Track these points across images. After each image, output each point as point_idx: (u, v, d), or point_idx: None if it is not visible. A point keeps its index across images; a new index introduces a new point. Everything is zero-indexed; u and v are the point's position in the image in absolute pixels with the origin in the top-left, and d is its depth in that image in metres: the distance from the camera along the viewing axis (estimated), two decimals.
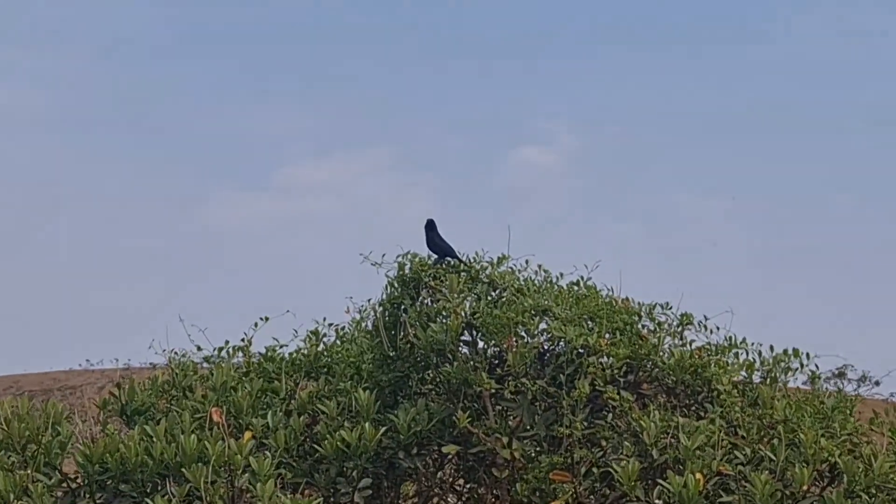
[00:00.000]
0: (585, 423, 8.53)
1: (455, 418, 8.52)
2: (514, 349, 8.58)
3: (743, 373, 8.92)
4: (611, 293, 9.24)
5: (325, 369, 9.58)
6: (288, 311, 9.67)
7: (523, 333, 8.83)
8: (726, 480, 8.10)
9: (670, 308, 9.17)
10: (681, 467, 8.01)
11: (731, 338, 9.01)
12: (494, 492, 8.87)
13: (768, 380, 8.92)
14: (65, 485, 8.12)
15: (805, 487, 7.97)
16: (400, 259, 9.20)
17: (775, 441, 8.27)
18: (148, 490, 7.84)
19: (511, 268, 9.23)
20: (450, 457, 8.97)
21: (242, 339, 9.85)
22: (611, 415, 8.58)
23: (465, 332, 8.85)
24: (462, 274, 9.07)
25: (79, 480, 8.09)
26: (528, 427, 8.69)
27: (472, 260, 9.27)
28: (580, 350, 8.66)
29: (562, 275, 9.29)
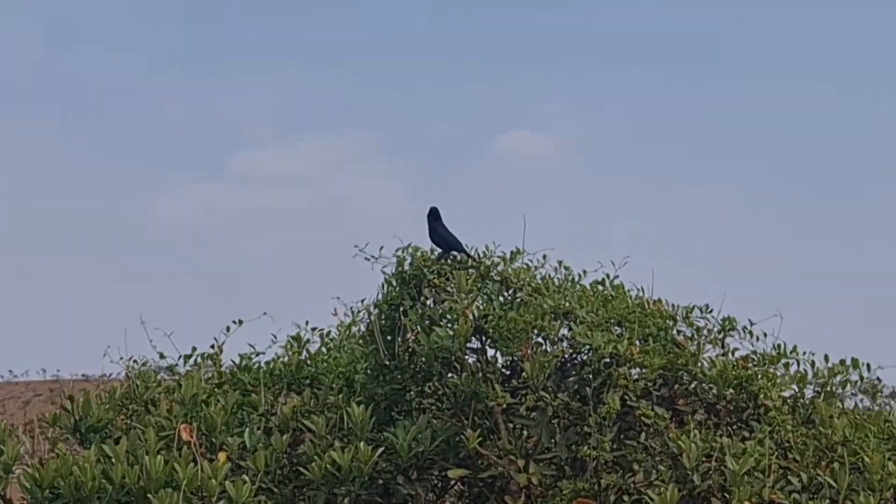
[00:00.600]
0: (614, 444, 7.38)
1: (463, 437, 7.35)
2: (532, 358, 7.40)
3: (793, 386, 7.75)
4: (640, 294, 8.07)
5: (310, 380, 8.48)
6: (265, 313, 8.53)
7: (541, 340, 7.70)
8: None
9: (710, 311, 8.02)
10: (727, 495, 7.08)
11: (779, 346, 7.86)
12: None
13: (823, 394, 7.75)
14: None
15: None
16: (399, 253, 8.01)
17: (835, 465, 7.21)
18: None
19: (526, 264, 8.06)
20: (455, 482, 7.95)
21: (212, 346, 8.71)
22: (643, 434, 7.43)
23: (473, 337, 7.68)
24: (470, 271, 7.88)
25: None
26: (548, 448, 7.58)
27: (481, 255, 8.08)
28: (608, 359, 7.50)
29: (584, 272, 8.12)
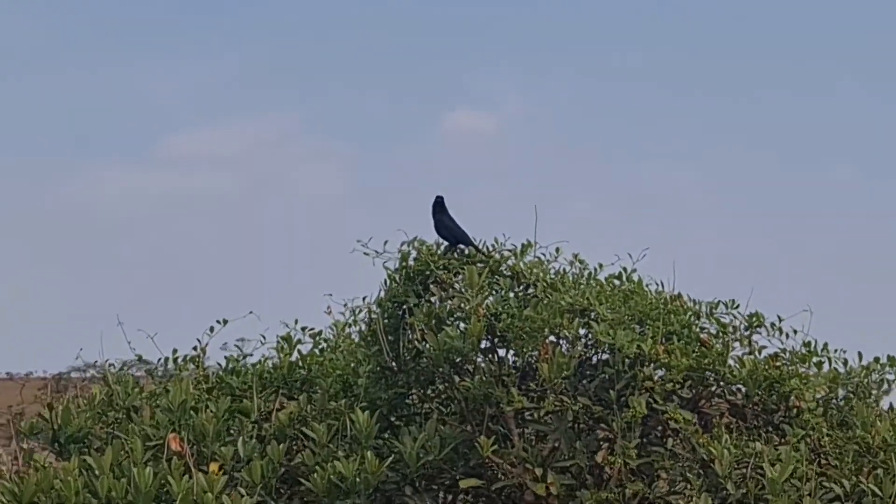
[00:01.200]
0: (639, 450, 6.87)
1: (477, 444, 6.81)
2: (550, 359, 6.86)
3: (825, 386, 7.28)
4: (660, 288, 7.55)
5: (302, 384, 7.84)
6: (251, 312, 7.97)
7: (554, 338, 7.16)
8: None
9: (737, 307, 7.51)
10: None
11: (809, 343, 7.37)
12: None
13: (857, 395, 7.27)
14: None
15: None
16: (404, 247, 7.44)
17: (879, 472, 6.68)
18: None
19: (538, 257, 7.52)
20: (465, 492, 7.39)
21: (195, 348, 8.12)
22: (671, 440, 6.91)
23: (485, 337, 7.14)
24: (479, 265, 7.32)
25: None
26: (567, 455, 7.02)
27: (490, 248, 7.53)
28: (631, 359, 6.98)
29: (601, 266, 7.59)
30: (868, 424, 7.07)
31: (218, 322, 8.06)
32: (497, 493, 7.24)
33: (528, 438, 7.30)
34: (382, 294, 7.53)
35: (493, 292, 7.33)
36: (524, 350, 7.10)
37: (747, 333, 7.55)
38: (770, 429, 7.27)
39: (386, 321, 7.40)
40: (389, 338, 7.38)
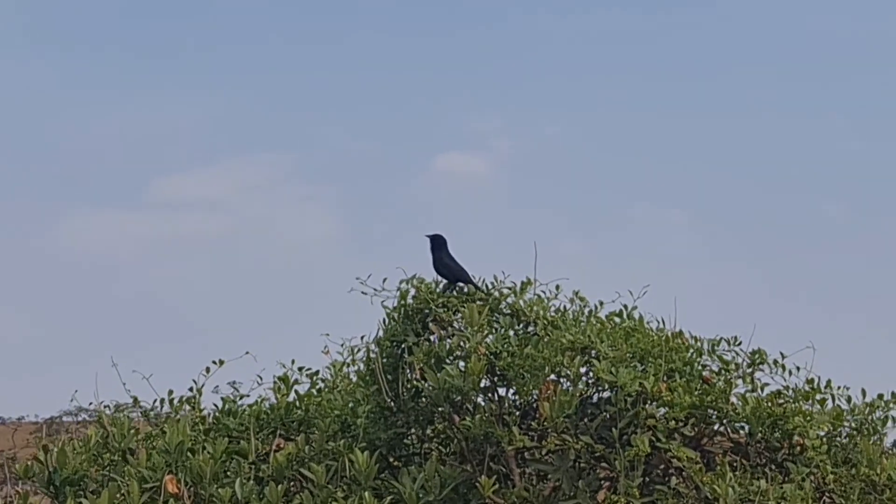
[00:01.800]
0: (643, 489, 6.77)
1: (477, 484, 6.72)
2: (551, 397, 6.78)
3: (829, 424, 7.19)
4: (661, 325, 7.48)
5: (300, 424, 7.73)
6: (247, 352, 7.87)
7: (555, 377, 7.08)
8: None
9: (739, 344, 7.43)
10: None
11: (812, 380, 7.29)
12: None
13: (861, 432, 7.19)
14: None
15: None
16: (403, 285, 7.37)
17: None
18: None
19: (539, 295, 7.44)
20: None
21: (191, 389, 8.02)
22: (674, 479, 6.82)
23: (485, 376, 7.05)
24: (479, 303, 7.25)
25: None
26: (569, 494, 6.93)
27: (490, 286, 7.46)
28: (633, 397, 6.89)
29: (601, 304, 7.52)
30: (873, 462, 6.96)
31: (214, 363, 7.99)
32: None
33: (530, 478, 7.18)
34: (381, 333, 7.44)
35: (493, 330, 7.25)
36: (525, 389, 7.01)
37: (750, 371, 7.46)
38: (774, 467, 7.13)
39: (385, 360, 7.31)
40: (388, 377, 7.29)
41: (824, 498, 6.98)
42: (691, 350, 7.40)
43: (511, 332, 7.25)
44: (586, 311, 7.51)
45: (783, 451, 7.15)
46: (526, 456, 7.24)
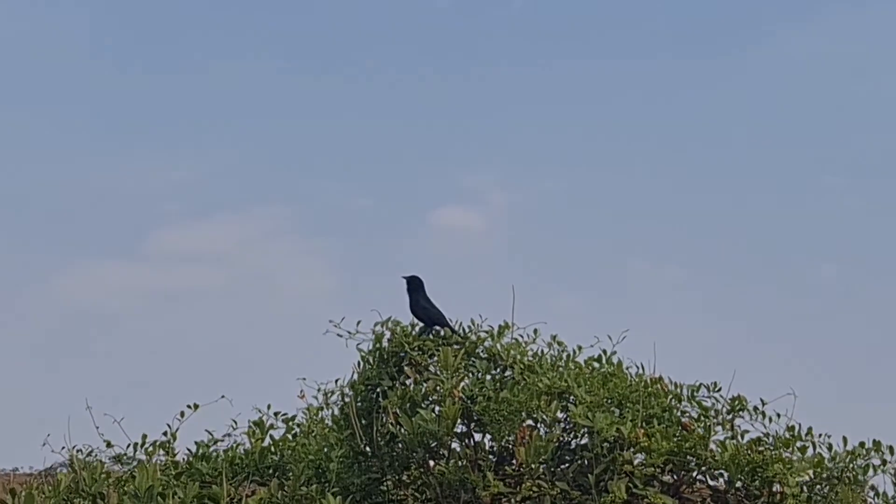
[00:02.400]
0: None
1: None
2: (527, 442, 6.67)
3: (809, 471, 7.07)
4: (640, 371, 7.39)
5: (274, 470, 7.62)
6: (223, 396, 7.77)
7: (532, 421, 6.98)
8: None
9: (719, 390, 7.34)
10: None
11: (793, 427, 7.18)
12: None
13: (842, 480, 7.07)
14: None
15: None
16: (378, 328, 7.27)
17: None
18: None
19: (516, 339, 7.35)
20: None
21: (165, 433, 7.90)
22: None
23: (460, 421, 6.94)
24: (455, 346, 7.16)
25: None
26: None
27: (466, 329, 7.36)
28: (610, 443, 6.79)
29: (580, 348, 7.42)
30: None
31: (189, 407, 7.90)
32: None
33: None
34: (356, 376, 7.35)
35: (469, 374, 7.16)
36: (501, 434, 6.91)
37: (730, 417, 7.38)
38: None
39: (359, 404, 7.22)
40: (363, 421, 7.19)
41: None
42: (670, 396, 7.30)
43: (488, 377, 7.16)
44: (564, 355, 7.41)
45: (763, 499, 7.05)
46: (502, 502, 7.12)
